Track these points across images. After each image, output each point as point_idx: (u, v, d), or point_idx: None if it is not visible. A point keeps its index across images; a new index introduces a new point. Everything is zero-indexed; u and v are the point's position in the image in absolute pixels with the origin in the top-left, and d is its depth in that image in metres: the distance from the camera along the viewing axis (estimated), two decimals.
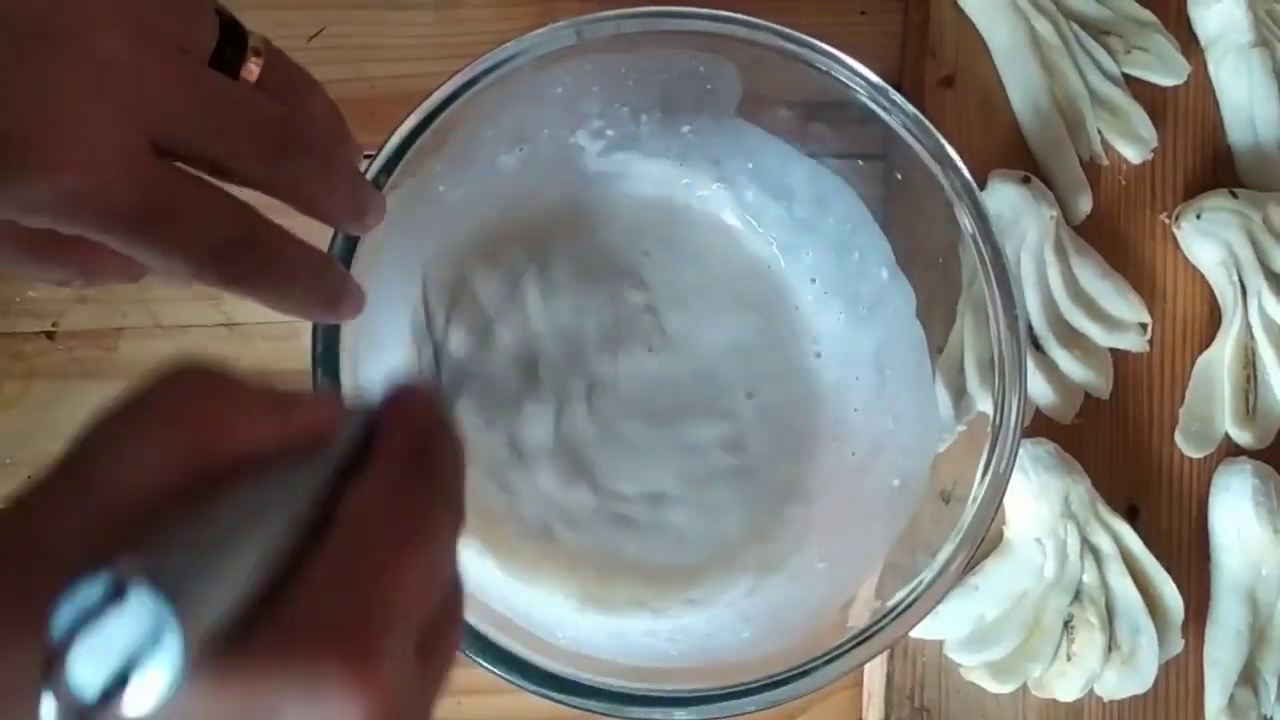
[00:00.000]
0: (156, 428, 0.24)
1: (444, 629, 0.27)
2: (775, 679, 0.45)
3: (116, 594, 0.19)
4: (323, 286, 0.38)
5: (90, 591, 0.19)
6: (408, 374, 0.28)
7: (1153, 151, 0.59)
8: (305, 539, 0.24)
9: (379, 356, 0.48)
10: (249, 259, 0.35)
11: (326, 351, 0.43)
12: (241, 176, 0.35)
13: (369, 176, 0.45)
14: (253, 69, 0.36)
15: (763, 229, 0.55)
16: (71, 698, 0.19)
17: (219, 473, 0.24)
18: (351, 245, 0.44)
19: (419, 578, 0.25)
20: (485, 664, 0.43)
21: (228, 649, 0.21)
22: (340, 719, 0.22)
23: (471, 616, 0.43)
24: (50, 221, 0.32)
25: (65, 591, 0.19)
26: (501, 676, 0.43)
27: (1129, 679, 0.54)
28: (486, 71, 0.46)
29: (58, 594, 0.19)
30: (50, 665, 0.19)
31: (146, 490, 0.23)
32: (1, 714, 0.21)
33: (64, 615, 0.19)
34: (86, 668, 0.19)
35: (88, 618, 0.19)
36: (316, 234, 0.41)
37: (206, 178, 0.35)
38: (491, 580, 0.49)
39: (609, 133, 0.52)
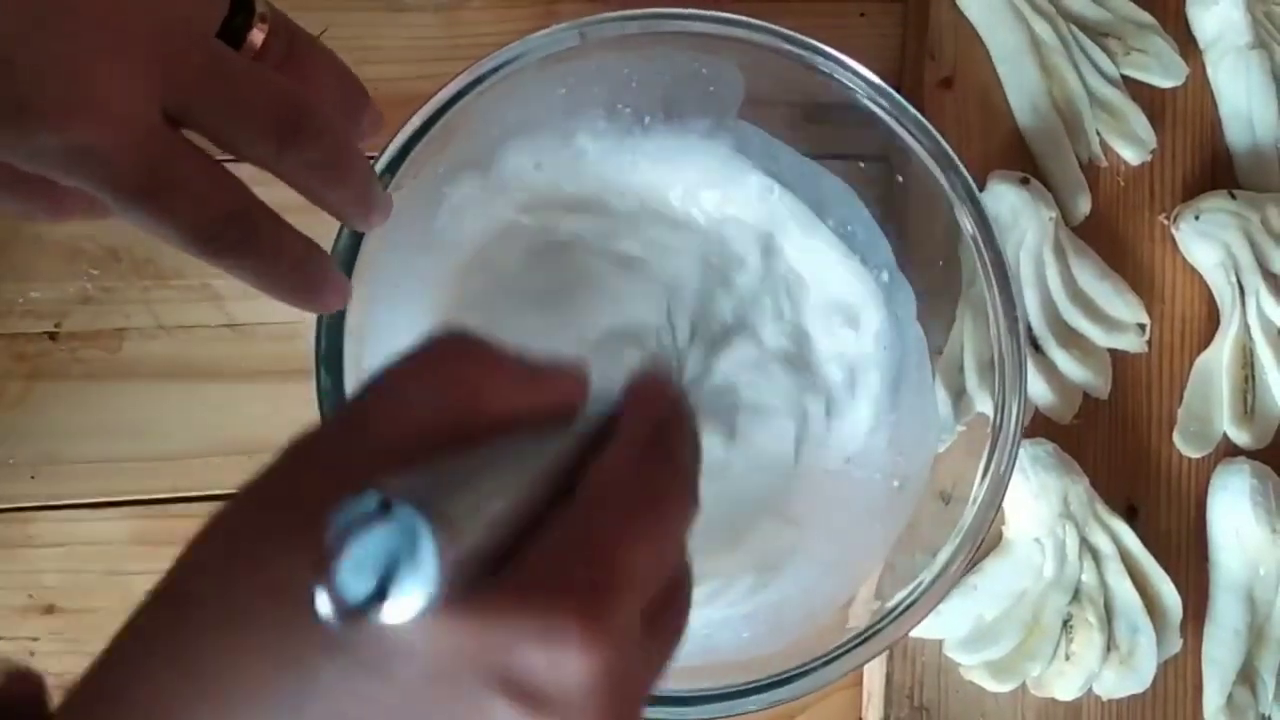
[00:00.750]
0: (427, 382, 0.26)
1: (670, 608, 0.28)
2: (775, 679, 0.45)
3: (383, 511, 0.21)
4: (307, 272, 0.39)
5: (361, 506, 0.21)
6: (652, 364, 0.30)
7: (1151, 153, 0.59)
8: (550, 502, 0.25)
9: (383, 356, 0.48)
10: (238, 236, 0.36)
11: (330, 351, 0.43)
12: (248, 156, 0.36)
13: None
14: (258, 35, 0.36)
15: (764, 231, 0.55)
16: (340, 598, 0.21)
17: (474, 432, 0.26)
18: (355, 244, 0.44)
19: (653, 552, 0.26)
20: None
21: (474, 588, 0.23)
22: (569, 671, 0.23)
23: None
24: (49, 172, 0.33)
25: (340, 504, 0.21)
26: None
27: (1127, 678, 0.54)
28: (490, 72, 0.46)
29: (333, 508, 0.21)
30: (322, 567, 0.21)
31: (414, 435, 0.25)
32: (272, 608, 0.23)
33: (337, 524, 0.21)
34: (352, 573, 0.21)
35: (357, 529, 0.21)
36: (322, 231, 0.42)
37: (209, 153, 0.35)
38: None
39: (612, 133, 0.52)
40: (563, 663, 0.23)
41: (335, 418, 0.26)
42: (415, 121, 0.45)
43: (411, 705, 0.23)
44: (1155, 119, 0.59)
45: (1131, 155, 0.59)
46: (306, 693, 0.23)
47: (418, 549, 0.21)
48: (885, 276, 0.52)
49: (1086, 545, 0.54)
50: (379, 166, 0.45)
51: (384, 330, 0.47)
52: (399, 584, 0.21)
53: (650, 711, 0.44)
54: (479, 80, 0.46)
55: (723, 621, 0.50)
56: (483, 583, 0.23)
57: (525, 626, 0.23)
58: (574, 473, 0.26)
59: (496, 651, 0.23)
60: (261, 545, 0.25)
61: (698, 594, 0.50)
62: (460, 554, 0.22)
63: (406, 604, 0.21)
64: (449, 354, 0.27)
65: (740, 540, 0.52)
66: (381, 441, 0.25)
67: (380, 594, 0.21)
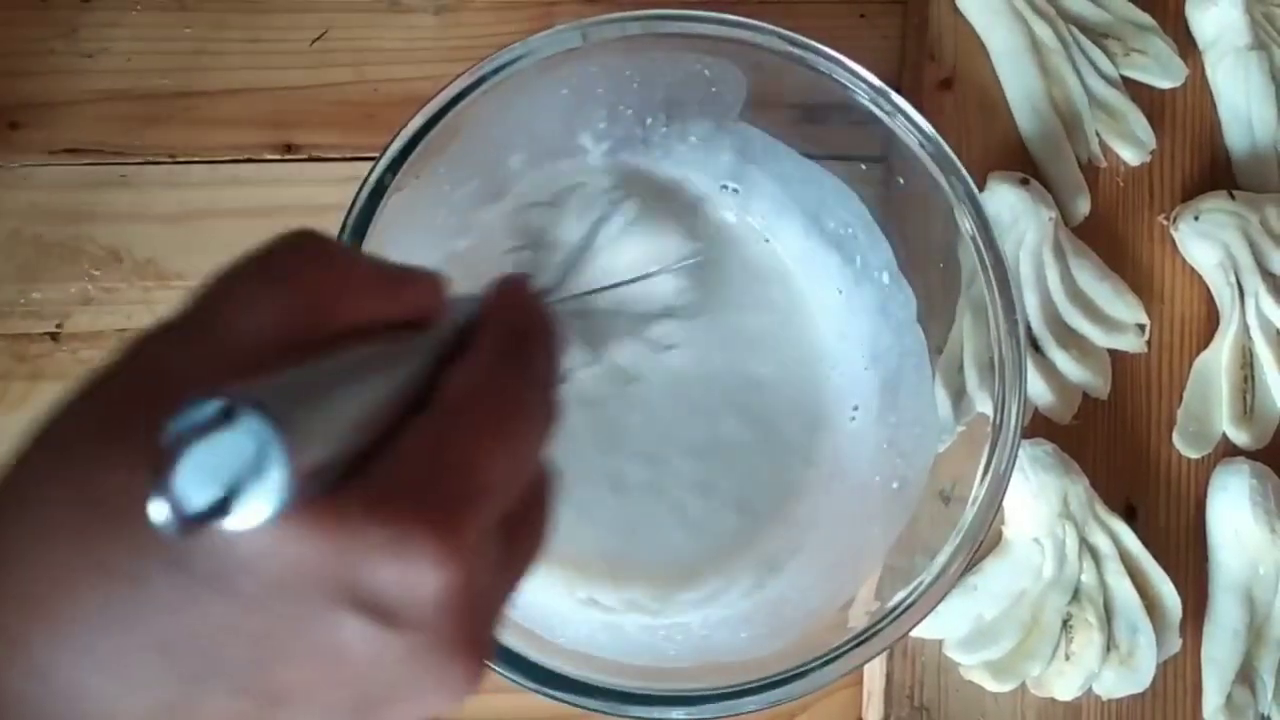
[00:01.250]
0: (275, 285, 0.25)
1: (529, 518, 0.28)
2: (774, 679, 0.45)
3: (226, 417, 0.20)
4: None
5: (202, 412, 0.20)
6: (512, 272, 0.30)
7: (1150, 153, 0.59)
8: (402, 412, 0.25)
9: None
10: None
11: None
12: None
13: (374, 177, 0.45)
14: None
15: (765, 232, 0.55)
16: (179, 506, 0.20)
17: (326, 338, 0.25)
18: (357, 243, 0.44)
19: (508, 460, 0.25)
20: (488, 663, 0.43)
21: (324, 498, 0.22)
22: (421, 584, 0.23)
23: None
24: None
25: (179, 409, 0.20)
26: (503, 675, 0.43)
27: (1127, 678, 0.54)
28: (492, 72, 0.46)
29: (172, 413, 0.20)
30: (157, 474, 0.20)
31: (260, 341, 0.24)
32: (102, 519, 0.21)
33: (174, 430, 0.20)
34: (192, 481, 0.20)
35: (197, 435, 0.20)
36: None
37: None
38: None
39: (613, 135, 0.52)
40: (414, 575, 0.22)
41: (175, 320, 0.24)
42: (417, 121, 0.45)
43: (253, 621, 0.22)
44: (1154, 120, 0.59)
45: (1131, 156, 0.59)
46: (141, 608, 0.22)
47: (264, 457, 0.20)
48: (885, 278, 0.52)
49: (1086, 545, 0.54)
50: (381, 165, 0.45)
51: None
52: (243, 493, 0.20)
53: (649, 711, 0.44)
54: (481, 80, 0.46)
55: (721, 621, 0.50)
56: (330, 494, 0.22)
57: (374, 538, 0.22)
58: (432, 383, 0.26)
59: (344, 564, 0.22)
60: (92, 452, 0.23)
61: (697, 594, 0.51)
62: (309, 463, 0.21)
63: (250, 514, 0.20)
64: (299, 257, 0.26)
65: (752, 541, 0.52)
66: (224, 346, 0.24)
67: (222, 504, 0.20)
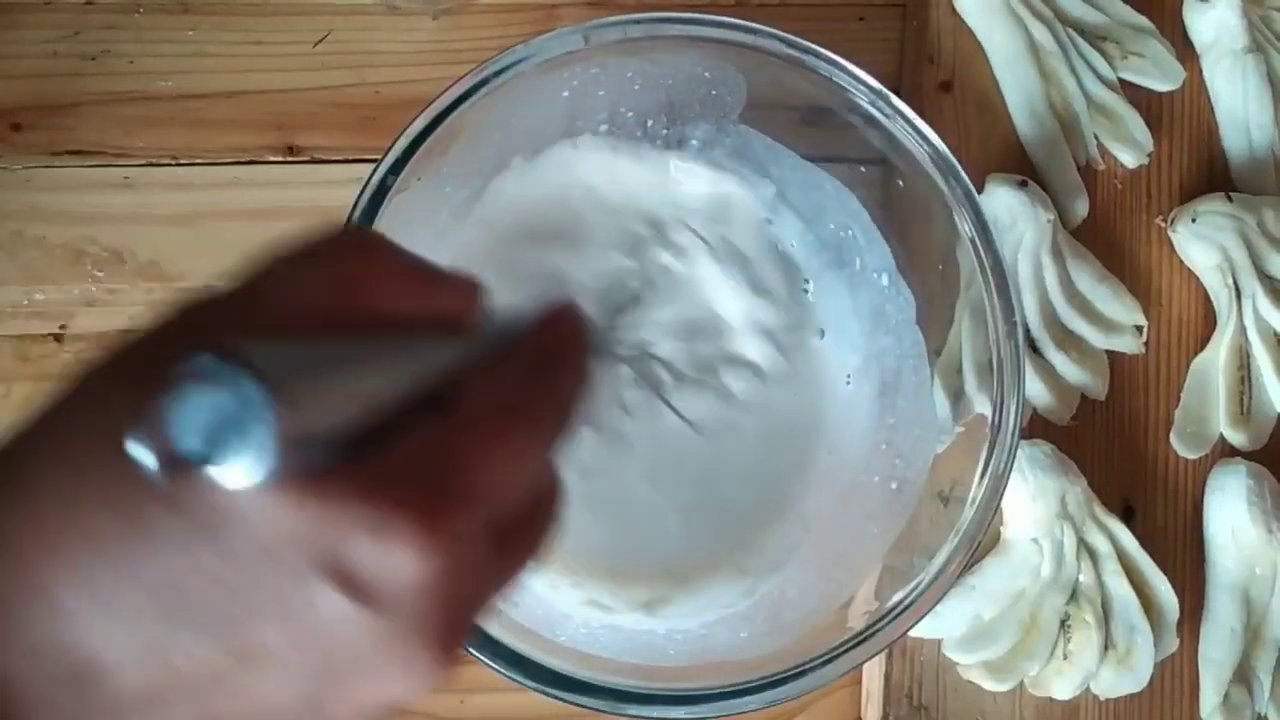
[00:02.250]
0: (317, 265, 0.26)
1: (526, 528, 0.28)
2: (774, 678, 0.45)
3: (226, 373, 0.20)
4: None
5: (200, 363, 0.20)
6: (571, 300, 0.30)
7: (1148, 156, 0.59)
8: (418, 406, 0.25)
9: None
10: None
11: None
12: None
13: (376, 178, 0.45)
14: None
15: (766, 235, 0.55)
16: (158, 445, 0.20)
17: (359, 324, 0.26)
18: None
19: (511, 468, 0.26)
20: (488, 661, 0.43)
21: (320, 471, 0.23)
22: (400, 567, 0.23)
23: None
24: None
25: (183, 359, 0.20)
26: (503, 673, 0.44)
27: (1125, 678, 0.54)
28: (495, 74, 0.46)
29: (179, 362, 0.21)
30: (140, 414, 0.20)
31: (293, 313, 0.25)
32: (114, 457, 0.22)
33: (173, 376, 0.20)
34: (177, 427, 0.20)
35: (191, 385, 0.20)
36: None
37: None
38: None
39: (614, 137, 0.53)
40: (394, 558, 0.23)
41: (220, 288, 0.25)
42: (420, 123, 0.45)
43: (237, 576, 0.23)
44: (1152, 122, 0.59)
45: (1129, 158, 0.59)
46: (138, 545, 0.23)
47: (249, 415, 0.20)
48: (884, 280, 0.52)
49: (1084, 545, 0.54)
50: (384, 166, 0.45)
51: None
52: (226, 446, 0.20)
53: (648, 710, 0.44)
54: (484, 82, 0.46)
55: (720, 621, 0.51)
56: (327, 469, 0.23)
57: (361, 516, 0.23)
58: (457, 388, 0.26)
59: (329, 536, 0.23)
60: (111, 391, 0.24)
61: (696, 594, 0.51)
62: (301, 430, 0.21)
63: (234, 468, 0.20)
64: (345, 245, 0.27)
65: (751, 542, 0.52)
66: (256, 312, 0.25)
67: (203, 454, 0.20)
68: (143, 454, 0.20)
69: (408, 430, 0.24)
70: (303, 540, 0.23)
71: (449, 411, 0.25)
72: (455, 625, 0.25)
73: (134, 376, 0.24)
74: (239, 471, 0.20)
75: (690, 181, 0.54)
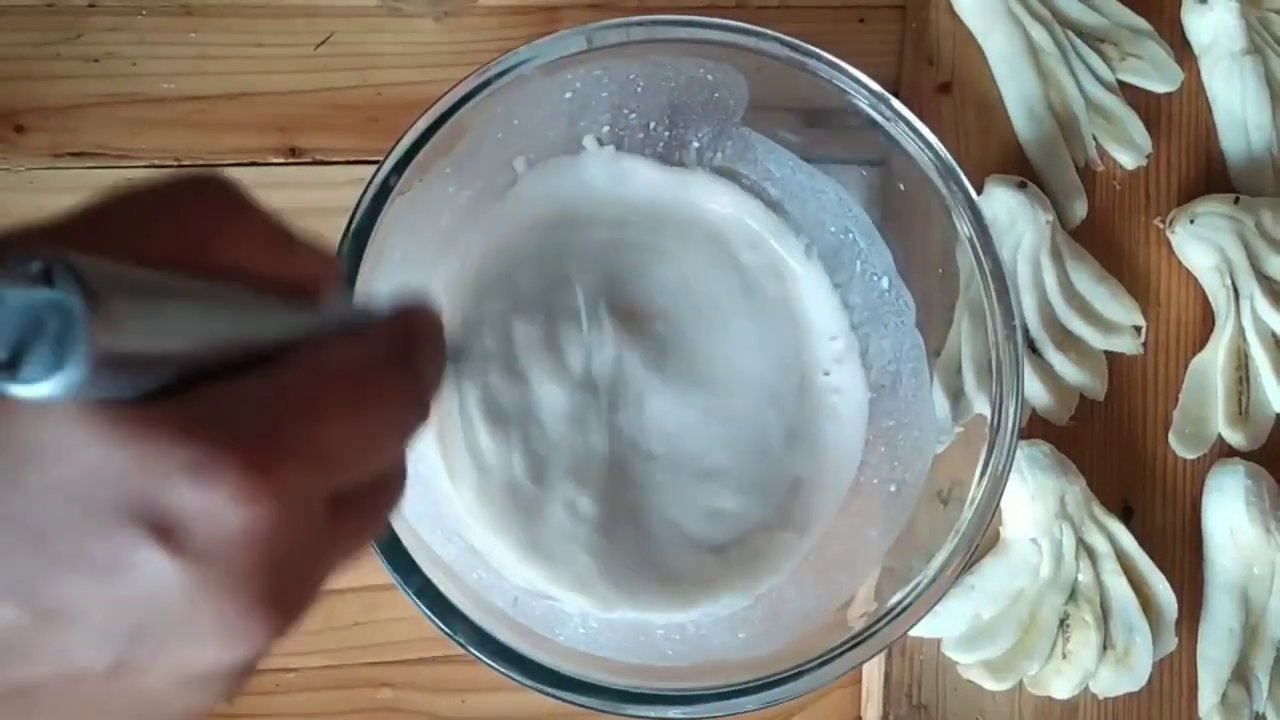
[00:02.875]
0: (168, 207, 0.24)
1: (368, 504, 0.27)
2: (772, 679, 0.45)
3: (44, 279, 0.19)
4: None
5: (21, 266, 0.19)
6: (427, 298, 0.30)
7: (1147, 157, 0.59)
8: (256, 361, 0.24)
9: None
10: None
11: None
12: None
13: (379, 177, 0.45)
14: None
15: (768, 236, 0.55)
16: None
17: (206, 273, 0.24)
18: (360, 245, 0.44)
19: (354, 439, 0.24)
20: (486, 660, 0.44)
21: (135, 404, 0.21)
22: (219, 516, 0.21)
23: (475, 612, 0.44)
24: None
25: (7, 262, 0.19)
26: (502, 673, 0.44)
27: (1123, 677, 0.54)
28: (498, 75, 0.46)
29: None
30: None
31: (135, 251, 0.23)
32: None
33: None
34: None
35: (6, 287, 0.19)
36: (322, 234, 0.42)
37: None
38: (502, 566, 0.50)
39: (616, 138, 0.53)
40: (212, 503, 0.21)
41: (74, 213, 0.23)
42: (423, 123, 0.45)
43: (36, 518, 0.21)
44: (1151, 124, 0.59)
45: (1127, 159, 0.59)
46: None
47: (66, 326, 0.19)
48: (885, 283, 0.53)
49: (1083, 545, 0.55)
50: (387, 166, 0.45)
51: None
52: (33, 354, 0.19)
53: (646, 709, 0.44)
54: (487, 83, 0.46)
55: (717, 622, 0.51)
56: (145, 403, 0.21)
57: (181, 455, 0.21)
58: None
59: (142, 475, 0.21)
60: None
61: (694, 594, 0.51)
62: (122, 352, 0.20)
63: (38, 377, 0.19)
64: (202, 194, 0.25)
65: (749, 543, 0.52)
66: (101, 242, 0.22)
67: (10, 360, 0.19)
68: None
69: (244, 377, 0.23)
70: (113, 479, 0.21)
71: (289, 365, 0.24)
72: (279, 587, 0.23)
73: None
74: (44, 383, 0.19)
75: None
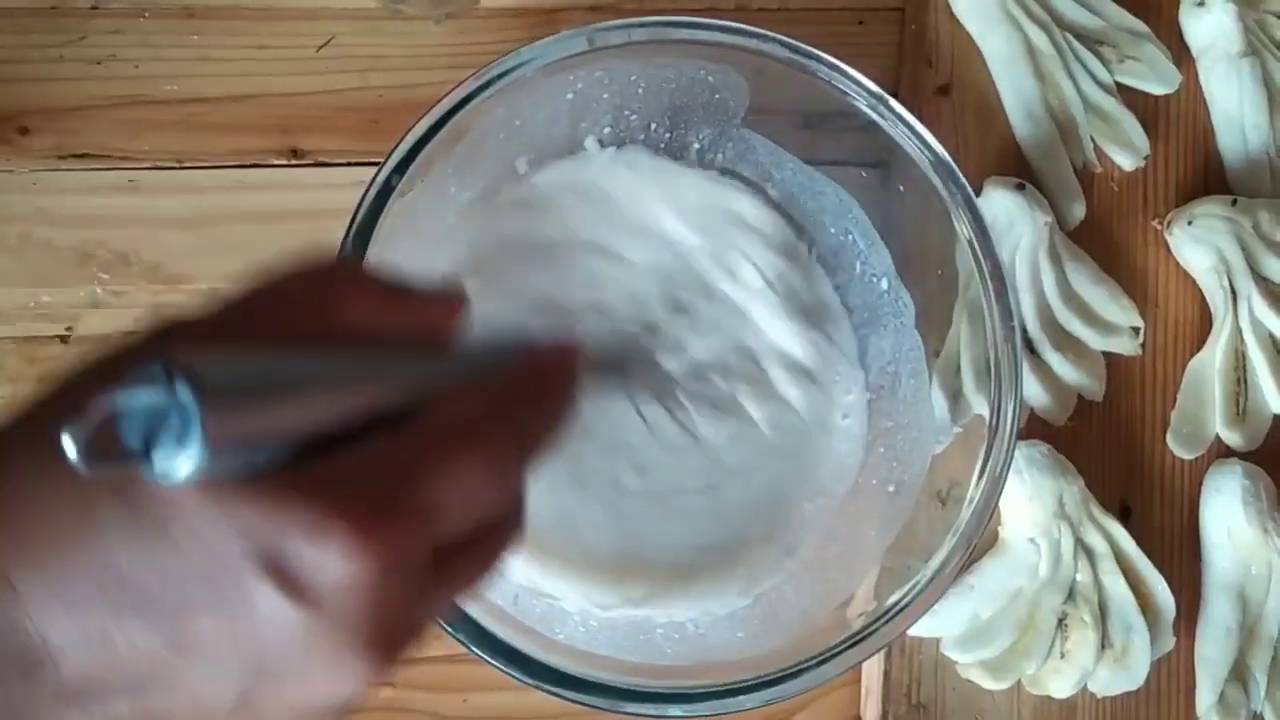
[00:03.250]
0: (295, 283, 0.27)
1: (475, 554, 0.29)
2: (771, 677, 0.45)
3: (166, 378, 0.22)
4: None
5: (145, 370, 0.22)
6: (569, 333, 0.31)
7: (1145, 159, 0.59)
8: (386, 421, 0.26)
9: None
10: None
11: None
12: None
13: (381, 177, 0.45)
14: None
15: (768, 239, 0.55)
16: (88, 442, 0.22)
17: (336, 339, 0.27)
18: (363, 244, 0.44)
19: (461, 490, 0.27)
20: (487, 657, 0.44)
21: (262, 475, 0.24)
22: (331, 569, 0.24)
23: (475, 609, 0.44)
24: None
25: (138, 367, 0.22)
26: (502, 670, 0.44)
27: (1121, 676, 0.54)
28: (501, 75, 0.46)
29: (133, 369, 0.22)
30: (78, 412, 0.22)
31: (265, 329, 0.26)
32: (46, 447, 0.22)
33: (123, 382, 0.22)
34: (113, 423, 0.22)
35: (133, 389, 0.22)
36: (324, 234, 0.42)
37: None
38: (505, 566, 0.50)
39: (618, 139, 0.53)
40: (327, 558, 0.24)
41: (214, 305, 0.27)
42: (426, 122, 0.45)
43: (180, 567, 0.24)
44: (1149, 125, 0.60)
45: (1125, 161, 0.59)
46: (87, 536, 0.24)
47: (183, 418, 0.22)
48: (885, 285, 0.53)
49: (1081, 545, 0.55)
50: (389, 166, 0.45)
51: None
52: (161, 446, 0.22)
53: (645, 707, 0.44)
54: (489, 83, 0.46)
55: (716, 621, 0.51)
56: (277, 472, 0.24)
57: (300, 516, 0.24)
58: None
59: (267, 533, 0.24)
60: (75, 393, 0.26)
61: (694, 595, 0.51)
62: (240, 434, 0.23)
63: (166, 464, 0.22)
64: (325, 267, 0.28)
65: (748, 544, 0.52)
66: (230, 329, 0.26)
67: (139, 450, 0.22)
68: (68, 446, 0.21)
69: (367, 441, 0.25)
70: (241, 536, 0.24)
71: (406, 427, 0.26)
72: (385, 632, 0.26)
73: (100, 378, 0.25)
74: (172, 467, 0.22)
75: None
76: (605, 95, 0.51)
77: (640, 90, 0.51)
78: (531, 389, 0.30)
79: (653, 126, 0.53)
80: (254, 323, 0.26)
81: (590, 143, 0.53)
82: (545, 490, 0.50)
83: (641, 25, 0.47)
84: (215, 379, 0.22)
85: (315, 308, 0.27)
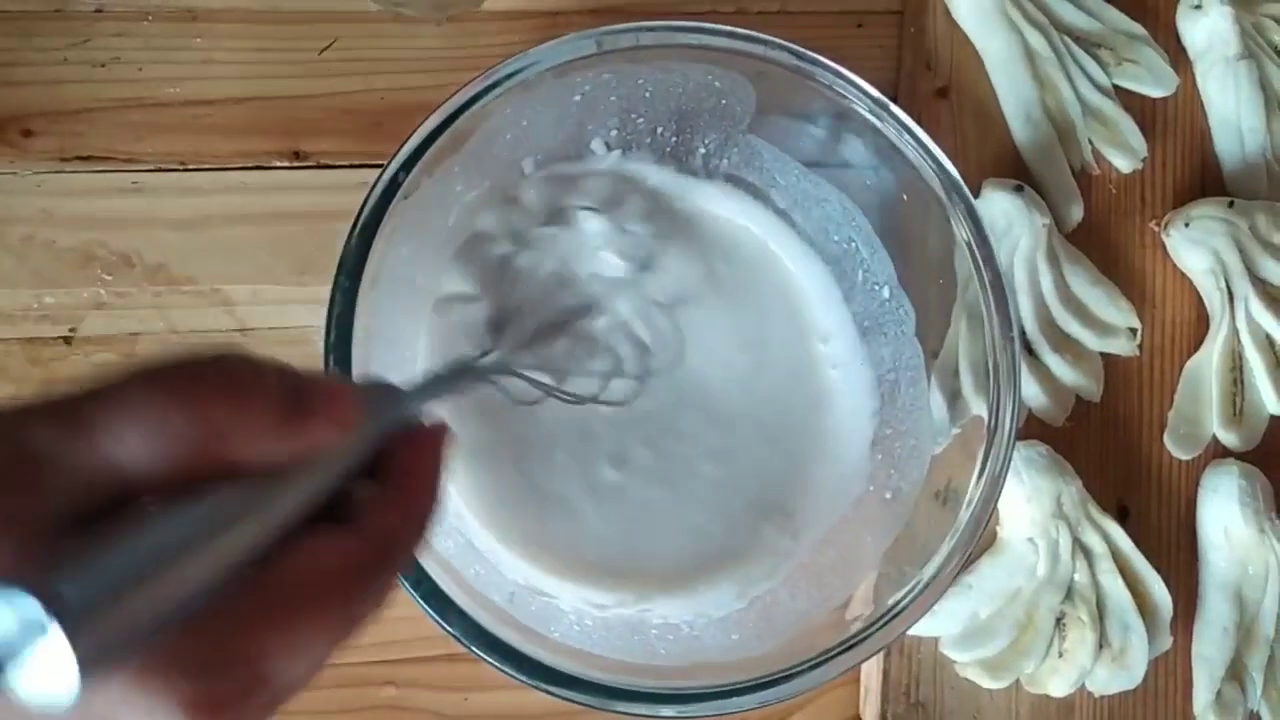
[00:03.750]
0: (170, 410, 0.25)
1: (291, 690, 0.28)
2: (765, 680, 0.45)
3: (13, 599, 0.21)
4: None
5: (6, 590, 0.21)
6: (430, 412, 0.31)
7: (1142, 161, 0.60)
8: (314, 518, 0.26)
9: (393, 356, 0.48)
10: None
11: (339, 354, 0.44)
12: None
13: (387, 174, 0.45)
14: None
15: (769, 241, 0.55)
16: None
17: (214, 472, 0.25)
18: (365, 243, 0.44)
19: (304, 659, 0.26)
20: (480, 653, 0.43)
21: (114, 664, 0.23)
22: None
23: (471, 607, 0.44)
24: None
25: None
26: (497, 667, 0.44)
27: (1119, 675, 0.55)
28: (508, 76, 0.46)
29: None
30: None
31: (131, 468, 0.24)
32: None
33: None
34: None
35: None
36: (324, 238, 0.42)
37: None
38: (501, 563, 0.50)
39: (624, 142, 0.53)
40: None
41: (53, 403, 0.24)
42: (432, 123, 0.45)
43: None
44: (1146, 128, 0.60)
45: (1123, 163, 0.60)
46: None
47: (37, 637, 0.21)
48: (886, 292, 0.53)
49: (1079, 545, 0.55)
50: (395, 164, 0.45)
51: (394, 329, 0.48)
52: (16, 659, 0.21)
53: (640, 707, 0.44)
54: (497, 83, 0.46)
55: (710, 623, 0.51)
56: (124, 658, 0.24)
57: (134, 703, 0.24)
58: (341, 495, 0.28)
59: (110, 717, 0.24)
60: None
61: (691, 596, 0.51)
62: (100, 638, 0.22)
63: (24, 679, 0.22)
64: (207, 384, 0.26)
65: (745, 546, 0.53)
66: (94, 458, 0.24)
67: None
68: None
69: (218, 604, 0.25)
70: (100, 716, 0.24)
71: (256, 588, 0.26)
72: None
73: None
74: (31, 681, 0.22)
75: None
76: (612, 98, 0.51)
77: (647, 94, 0.51)
78: (394, 526, 0.29)
79: (659, 130, 0.53)
80: (140, 442, 0.24)
81: (597, 145, 0.53)
82: (529, 496, 0.51)
83: (649, 29, 0.47)
84: (75, 589, 0.22)
85: (193, 442, 0.25)
